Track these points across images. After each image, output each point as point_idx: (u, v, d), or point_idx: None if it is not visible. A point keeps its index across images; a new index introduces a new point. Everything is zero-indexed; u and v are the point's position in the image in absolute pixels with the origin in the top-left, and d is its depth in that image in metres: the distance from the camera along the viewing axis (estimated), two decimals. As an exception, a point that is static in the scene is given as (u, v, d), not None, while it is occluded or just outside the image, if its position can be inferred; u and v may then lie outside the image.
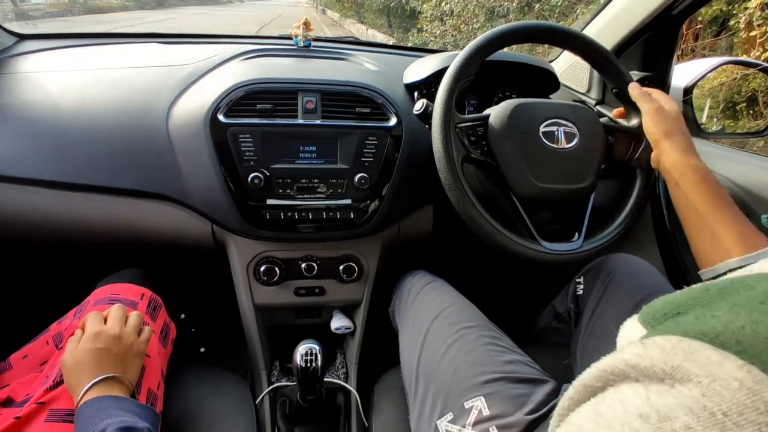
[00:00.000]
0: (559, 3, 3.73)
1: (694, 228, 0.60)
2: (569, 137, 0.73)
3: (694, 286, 0.27)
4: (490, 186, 0.77)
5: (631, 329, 0.31)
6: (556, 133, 0.72)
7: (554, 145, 0.72)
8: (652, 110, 0.68)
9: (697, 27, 2.87)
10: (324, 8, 28.57)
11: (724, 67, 0.95)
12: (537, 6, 4.01)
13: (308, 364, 0.74)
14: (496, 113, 0.73)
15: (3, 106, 0.82)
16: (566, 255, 0.70)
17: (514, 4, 4.22)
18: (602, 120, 0.77)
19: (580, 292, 0.81)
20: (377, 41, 1.37)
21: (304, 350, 0.75)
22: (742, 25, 2.36)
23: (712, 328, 0.21)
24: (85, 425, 0.51)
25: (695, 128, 0.95)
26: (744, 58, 2.00)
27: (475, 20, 4.99)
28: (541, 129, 0.72)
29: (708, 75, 0.92)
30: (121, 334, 0.61)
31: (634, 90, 0.72)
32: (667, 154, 0.65)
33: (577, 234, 0.73)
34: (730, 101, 2.18)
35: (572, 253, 0.71)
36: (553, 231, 0.74)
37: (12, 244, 0.94)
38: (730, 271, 0.52)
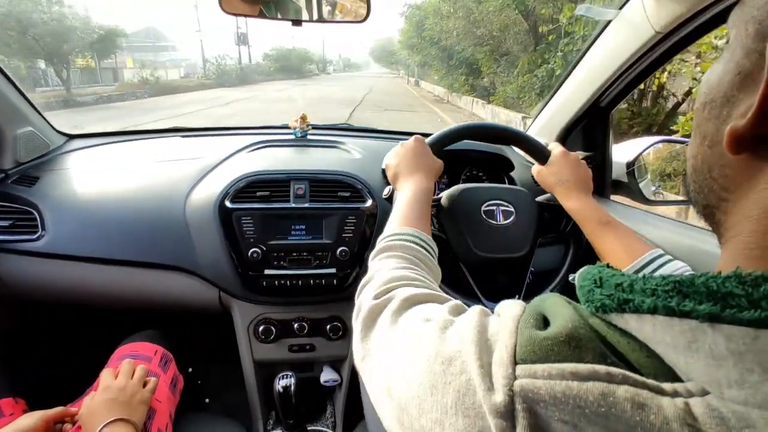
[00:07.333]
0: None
1: (599, 251, 0.76)
2: (506, 215, 0.87)
3: None
4: (443, 255, 0.91)
5: None
6: (495, 211, 0.87)
7: (493, 222, 0.87)
8: (555, 159, 0.87)
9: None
10: (418, 80, 26.41)
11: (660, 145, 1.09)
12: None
13: (285, 389, 0.93)
14: (446, 196, 0.89)
15: (55, 198, 1.02)
16: None
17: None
18: (538, 199, 0.92)
19: None
20: (389, 129, 1.49)
21: (282, 378, 0.95)
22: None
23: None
24: None
25: (640, 197, 1.07)
26: (673, 137, 2.21)
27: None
28: (483, 208, 0.87)
29: (644, 153, 1.06)
30: (126, 385, 0.76)
31: (556, 149, 0.89)
32: (562, 199, 0.84)
33: (517, 295, 0.86)
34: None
35: None
36: (500, 291, 0.87)
37: (54, 308, 1.12)
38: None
